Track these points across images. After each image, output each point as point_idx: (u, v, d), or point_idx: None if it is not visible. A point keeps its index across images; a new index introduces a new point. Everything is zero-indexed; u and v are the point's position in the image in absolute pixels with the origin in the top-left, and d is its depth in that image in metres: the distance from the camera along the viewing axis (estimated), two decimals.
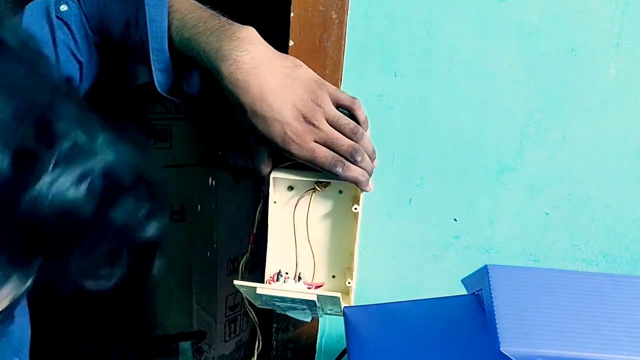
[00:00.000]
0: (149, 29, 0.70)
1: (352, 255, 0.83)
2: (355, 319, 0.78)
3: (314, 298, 0.77)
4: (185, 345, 1.40)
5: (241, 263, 0.86)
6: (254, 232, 0.86)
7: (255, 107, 0.70)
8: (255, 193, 0.91)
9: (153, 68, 0.73)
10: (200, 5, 0.74)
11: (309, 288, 0.81)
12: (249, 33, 0.71)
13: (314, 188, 0.80)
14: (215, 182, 1.23)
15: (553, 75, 0.82)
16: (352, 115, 0.75)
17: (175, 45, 0.73)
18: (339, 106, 0.75)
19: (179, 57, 0.74)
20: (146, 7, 0.70)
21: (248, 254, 0.85)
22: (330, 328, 0.97)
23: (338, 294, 0.76)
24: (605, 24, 0.80)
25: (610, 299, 0.65)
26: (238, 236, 1.32)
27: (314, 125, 0.72)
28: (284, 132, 0.71)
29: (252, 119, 0.71)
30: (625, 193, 0.87)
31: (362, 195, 0.79)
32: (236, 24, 0.72)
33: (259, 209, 0.84)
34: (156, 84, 0.74)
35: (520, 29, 0.80)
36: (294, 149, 0.72)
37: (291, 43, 0.77)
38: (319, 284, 0.83)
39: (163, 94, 0.75)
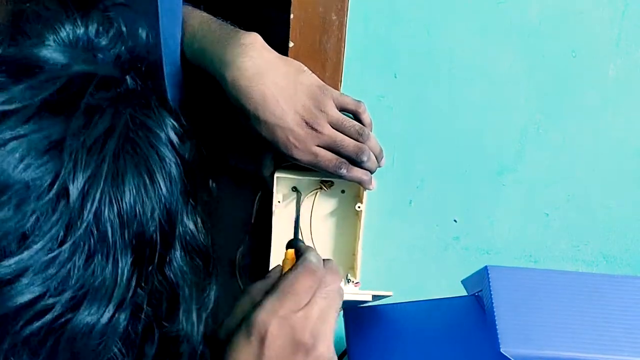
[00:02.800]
0: (162, 44, 0.71)
1: (354, 255, 0.83)
2: (355, 320, 0.79)
3: (369, 298, 0.77)
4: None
5: (238, 252, 0.86)
6: (252, 221, 0.86)
7: (258, 113, 0.71)
8: (255, 194, 0.91)
9: (167, 83, 0.74)
10: (212, 17, 0.75)
11: None
12: (253, 39, 0.72)
13: (320, 187, 0.81)
14: (215, 184, 1.23)
15: (553, 76, 0.82)
16: (357, 119, 0.76)
17: (187, 57, 0.74)
18: (343, 110, 0.75)
19: (190, 69, 0.74)
20: (160, 23, 0.70)
21: (245, 243, 0.86)
22: None
23: (390, 293, 0.76)
24: (604, 25, 0.80)
25: (610, 300, 0.65)
26: (238, 238, 1.31)
27: (316, 130, 0.72)
28: (287, 138, 0.72)
29: (255, 125, 0.72)
30: (625, 194, 0.87)
31: (366, 194, 0.80)
32: (242, 31, 0.73)
33: (257, 197, 0.85)
34: (169, 98, 0.74)
35: (520, 30, 0.80)
36: (297, 154, 0.73)
37: (291, 44, 0.77)
38: None
39: (176, 109, 0.76)
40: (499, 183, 0.87)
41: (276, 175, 0.79)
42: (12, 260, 0.41)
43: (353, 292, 0.78)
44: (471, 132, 0.85)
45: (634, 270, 0.91)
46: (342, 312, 0.81)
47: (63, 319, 0.43)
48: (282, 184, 0.80)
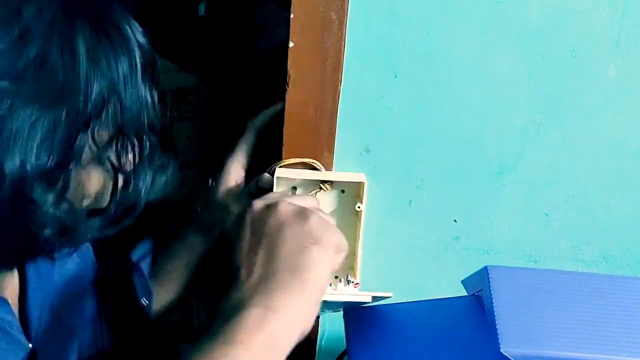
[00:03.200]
0: None
1: (354, 255, 0.83)
2: (356, 320, 0.78)
3: (369, 299, 0.77)
4: (187, 345, 1.40)
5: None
6: None
7: None
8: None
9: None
10: None
11: None
12: None
13: (320, 187, 0.81)
14: (215, 183, 1.23)
15: (553, 76, 0.82)
16: None
17: None
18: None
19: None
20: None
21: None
22: (330, 328, 0.97)
23: (390, 294, 0.76)
24: (604, 25, 0.80)
25: (610, 301, 0.65)
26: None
27: None
28: None
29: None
30: (625, 194, 0.87)
31: (366, 194, 0.79)
32: None
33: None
34: None
35: (520, 30, 0.80)
36: None
37: (291, 44, 0.77)
38: None
39: None
40: (499, 183, 0.87)
41: (276, 174, 0.79)
42: None
43: (353, 294, 0.78)
44: (471, 132, 0.85)
45: (634, 270, 0.91)
46: (342, 312, 0.81)
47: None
48: (281, 183, 0.80)
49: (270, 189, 0.79)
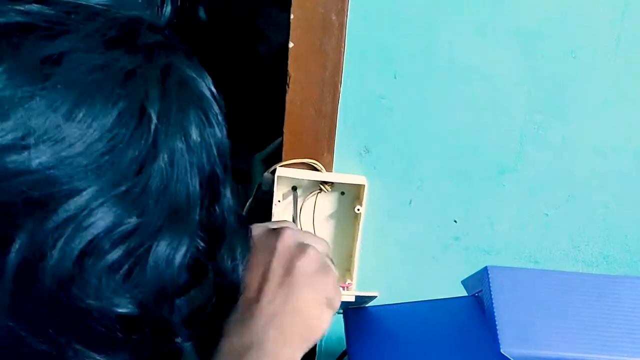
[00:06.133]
0: None
1: (351, 257, 0.83)
2: (355, 320, 0.78)
3: (352, 299, 0.77)
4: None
5: None
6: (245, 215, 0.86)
7: None
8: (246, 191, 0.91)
9: None
10: None
11: None
12: None
13: (320, 188, 0.81)
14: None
15: (552, 76, 0.82)
16: None
17: None
18: None
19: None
20: None
21: None
22: (331, 329, 0.96)
23: (377, 293, 0.76)
24: (604, 26, 0.80)
25: (610, 300, 0.65)
26: None
27: None
28: None
29: None
30: (625, 194, 0.87)
31: (366, 196, 0.79)
32: None
33: (251, 198, 0.85)
34: None
35: (520, 30, 0.80)
36: None
37: (291, 45, 0.77)
38: None
39: None
40: (499, 183, 0.87)
41: (277, 174, 0.79)
42: (93, 188, 0.41)
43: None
44: (471, 133, 0.85)
45: (634, 270, 0.91)
46: (342, 312, 0.81)
47: (146, 245, 0.44)
48: (282, 183, 0.81)
49: (272, 188, 0.79)
